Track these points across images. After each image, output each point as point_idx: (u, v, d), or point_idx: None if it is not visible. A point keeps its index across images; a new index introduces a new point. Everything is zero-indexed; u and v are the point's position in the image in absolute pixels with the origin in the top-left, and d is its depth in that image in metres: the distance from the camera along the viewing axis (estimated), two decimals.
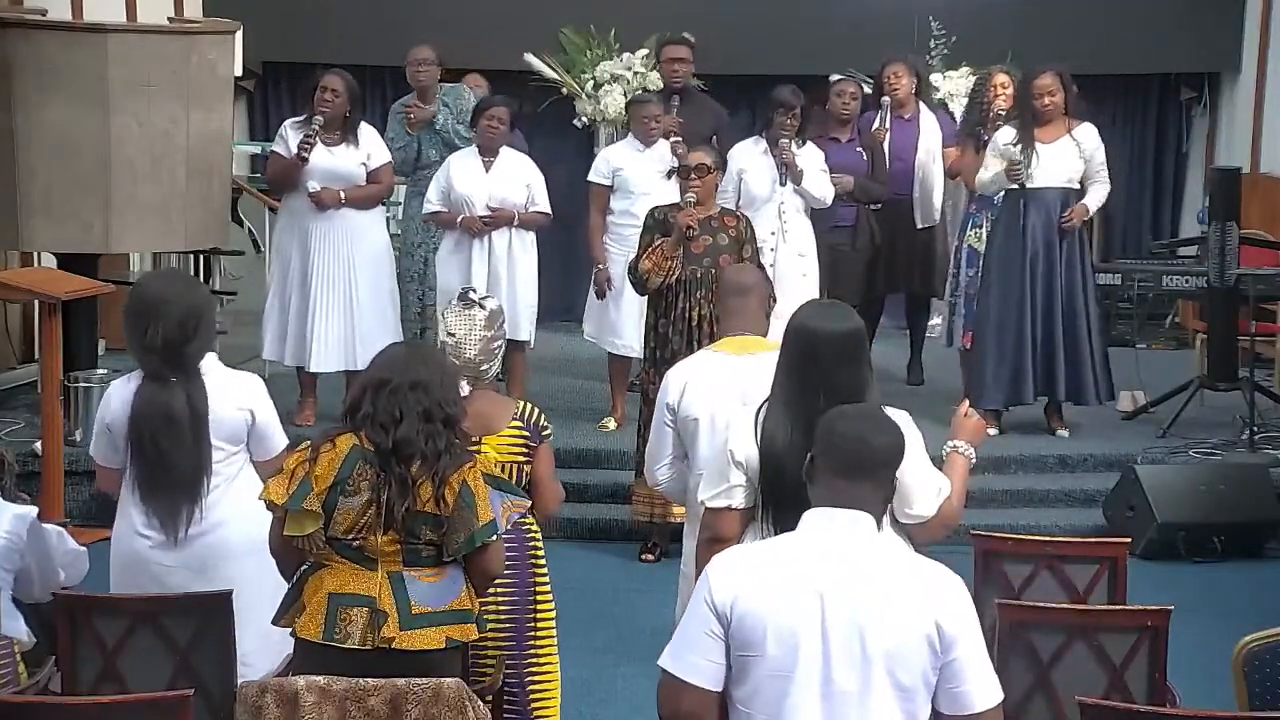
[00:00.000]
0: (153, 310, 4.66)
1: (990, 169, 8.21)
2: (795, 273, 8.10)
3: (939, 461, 4.26)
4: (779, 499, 4.00)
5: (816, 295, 8.38)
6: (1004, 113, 8.55)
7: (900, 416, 4.07)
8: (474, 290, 5.05)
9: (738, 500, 4.05)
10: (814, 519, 3.33)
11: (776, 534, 3.99)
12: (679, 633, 3.30)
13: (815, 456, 3.39)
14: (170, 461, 4.66)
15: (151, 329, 4.64)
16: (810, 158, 8.22)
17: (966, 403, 4.56)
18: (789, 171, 8.09)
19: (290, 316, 8.31)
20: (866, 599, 3.19)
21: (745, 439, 4.05)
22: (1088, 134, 8.17)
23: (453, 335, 4.75)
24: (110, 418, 4.77)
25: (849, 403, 3.96)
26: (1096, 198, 8.24)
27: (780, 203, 8.14)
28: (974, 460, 4.26)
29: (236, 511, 4.68)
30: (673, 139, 8.37)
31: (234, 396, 4.79)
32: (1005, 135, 8.18)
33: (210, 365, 4.79)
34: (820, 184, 8.23)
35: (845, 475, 3.32)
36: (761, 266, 7.33)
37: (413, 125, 8.87)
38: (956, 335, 8.82)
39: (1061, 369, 8.21)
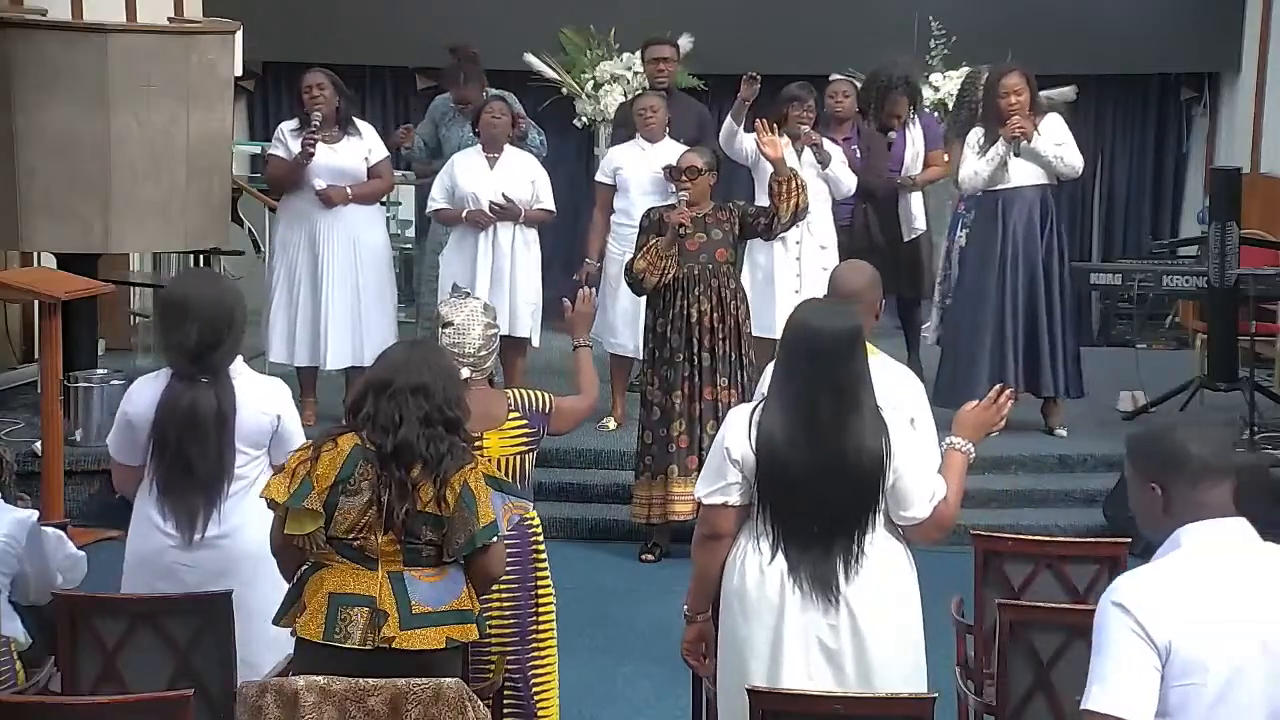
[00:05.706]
0: (187, 310, 4.63)
1: (969, 165, 8.21)
2: (818, 266, 7.91)
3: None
4: (775, 496, 4.01)
5: None
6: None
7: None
8: (463, 288, 5.08)
9: (734, 498, 4.06)
10: (1207, 533, 3.39)
11: (773, 531, 4.01)
12: (1105, 671, 3.13)
13: (1165, 484, 3.40)
14: (192, 463, 4.62)
15: (184, 329, 4.61)
16: (830, 151, 8.22)
17: (977, 402, 4.46)
18: (818, 154, 8.09)
19: (300, 317, 8.33)
20: None
21: (740, 437, 4.05)
22: (1054, 124, 8.18)
23: (451, 324, 4.72)
24: (134, 414, 4.72)
25: (847, 400, 3.96)
26: (1056, 149, 8.09)
27: None
28: (973, 456, 4.23)
29: (256, 515, 4.65)
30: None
31: (261, 400, 4.75)
32: (979, 134, 8.22)
33: (238, 368, 4.75)
34: (845, 173, 8.25)
35: (1211, 482, 3.45)
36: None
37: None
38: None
39: (1022, 362, 8.19)
